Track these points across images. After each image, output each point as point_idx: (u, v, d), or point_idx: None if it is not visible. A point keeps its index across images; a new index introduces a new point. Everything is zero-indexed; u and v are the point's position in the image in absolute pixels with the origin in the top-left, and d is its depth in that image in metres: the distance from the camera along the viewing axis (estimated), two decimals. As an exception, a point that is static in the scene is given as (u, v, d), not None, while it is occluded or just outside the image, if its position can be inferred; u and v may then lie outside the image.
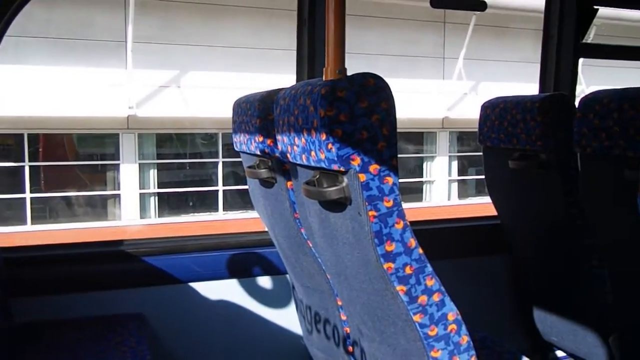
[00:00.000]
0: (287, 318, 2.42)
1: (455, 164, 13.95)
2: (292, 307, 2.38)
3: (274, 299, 2.43)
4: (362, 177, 1.29)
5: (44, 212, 11.24)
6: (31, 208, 11.01)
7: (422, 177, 13.79)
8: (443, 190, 13.82)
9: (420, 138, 13.71)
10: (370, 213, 1.30)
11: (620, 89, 2.01)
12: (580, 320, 2.32)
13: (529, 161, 2.29)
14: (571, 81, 2.73)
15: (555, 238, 2.36)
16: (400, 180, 1.33)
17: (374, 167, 1.30)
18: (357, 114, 1.28)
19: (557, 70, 2.74)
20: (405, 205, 1.34)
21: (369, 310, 1.49)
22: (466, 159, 13.95)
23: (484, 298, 2.69)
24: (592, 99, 2.05)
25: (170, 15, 10.98)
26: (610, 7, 2.97)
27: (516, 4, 11.67)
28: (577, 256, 2.26)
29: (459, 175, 13.98)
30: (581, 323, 2.31)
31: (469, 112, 11.09)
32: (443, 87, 12.88)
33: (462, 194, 14.02)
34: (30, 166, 11.00)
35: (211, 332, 2.37)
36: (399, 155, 1.36)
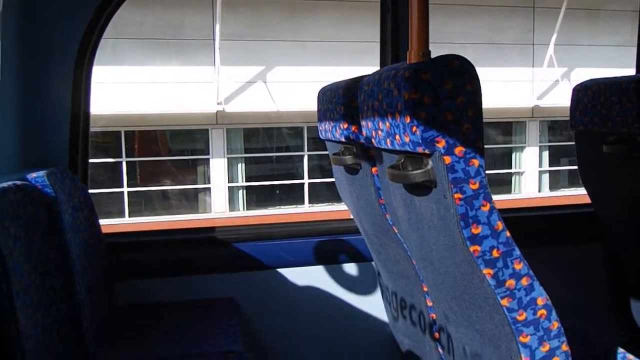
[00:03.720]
0: (373, 305, 2.44)
1: (546, 154, 13.46)
2: (378, 294, 2.40)
3: (359, 286, 2.45)
4: (447, 159, 1.28)
5: (140, 205, 11.81)
6: (128, 202, 11.60)
7: (511, 168, 13.40)
8: (533, 181, 13.37)
9: (509, 128, 13.32)
10: (456, 196, 1.29)
11: None
12: None
13: (625, 145, 2.18)
14: None
15: None
16: (488, 172, 1.31)
17: (459, 150, 1.28)
18: (442, 96, 1.27)
19: None
20: (493, 197, 1.31)
21: (456, 295, 1.48)
22: (558, 149, 13.43)
23: (576, 288, 2.60)
24: None
25: (256, 13, 11.23)
26: None
27: (612, -15, 11.10)
28: None
29: (550, 166, 13.47)
30: None
31: (561, 100, 10.67)
32: (533, 75, 12.45)
33: (553, 186, 13.51)
34: (127, 162, 11.58)
35: (298, 317, 2.42)
36: (487, 146, 1.34)
